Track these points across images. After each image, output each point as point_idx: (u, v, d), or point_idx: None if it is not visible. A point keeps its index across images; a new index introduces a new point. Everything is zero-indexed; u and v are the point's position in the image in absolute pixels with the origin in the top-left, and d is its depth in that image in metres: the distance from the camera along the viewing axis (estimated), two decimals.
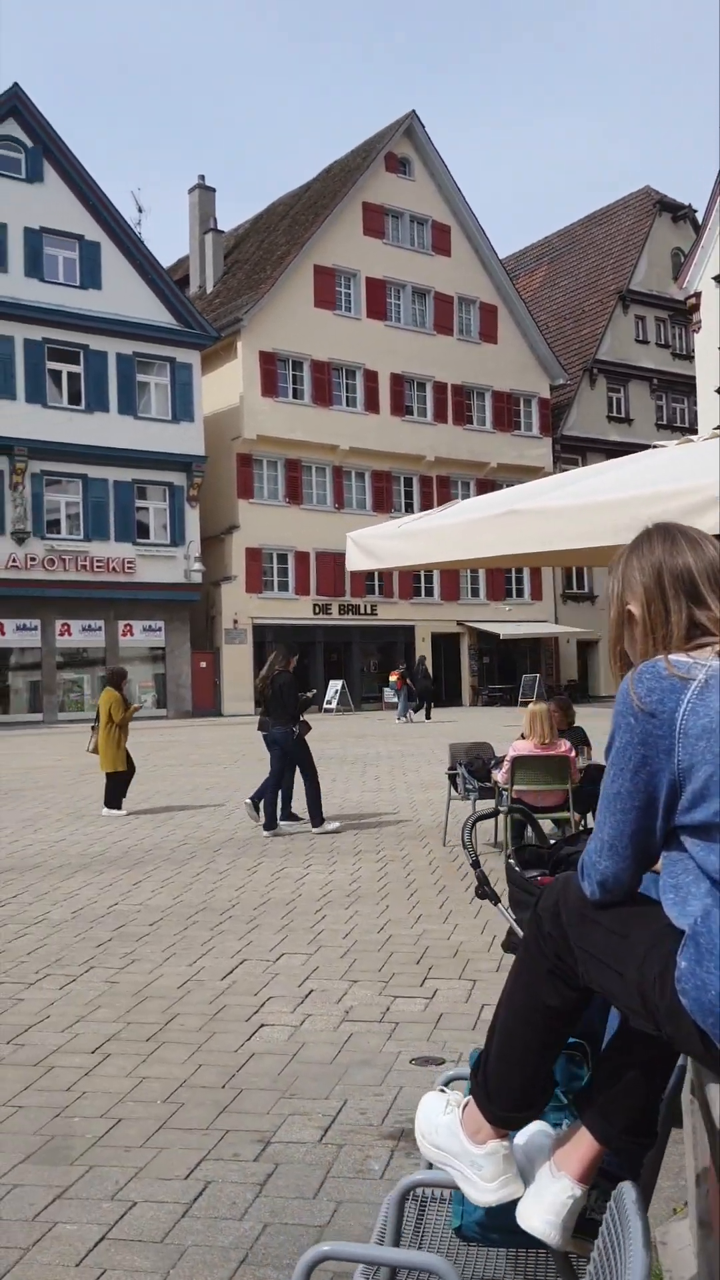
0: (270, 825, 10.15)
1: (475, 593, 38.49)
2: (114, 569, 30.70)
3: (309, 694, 10.85)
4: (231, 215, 73.90)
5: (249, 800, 10.81)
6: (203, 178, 40.57)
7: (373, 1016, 4.97)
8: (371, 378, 36.22)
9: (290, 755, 10.27)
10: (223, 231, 40.64)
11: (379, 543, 7.81)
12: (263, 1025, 4.88)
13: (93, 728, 12.01)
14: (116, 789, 11.84)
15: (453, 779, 9.64)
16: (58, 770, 16.82)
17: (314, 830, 10.21)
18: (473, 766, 9.37)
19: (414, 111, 37.01)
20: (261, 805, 10.34)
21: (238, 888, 7.89)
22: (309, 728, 10.47)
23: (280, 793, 10.45)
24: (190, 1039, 4.74)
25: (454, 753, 9.94)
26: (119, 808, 11.76)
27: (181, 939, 6.45)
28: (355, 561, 7.97)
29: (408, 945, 6.18)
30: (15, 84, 29.22)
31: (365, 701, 35.36)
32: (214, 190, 40.66)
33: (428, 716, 29.58)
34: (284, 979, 5.58)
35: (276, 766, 10.31)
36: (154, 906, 7.32)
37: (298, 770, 10.45)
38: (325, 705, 33.04)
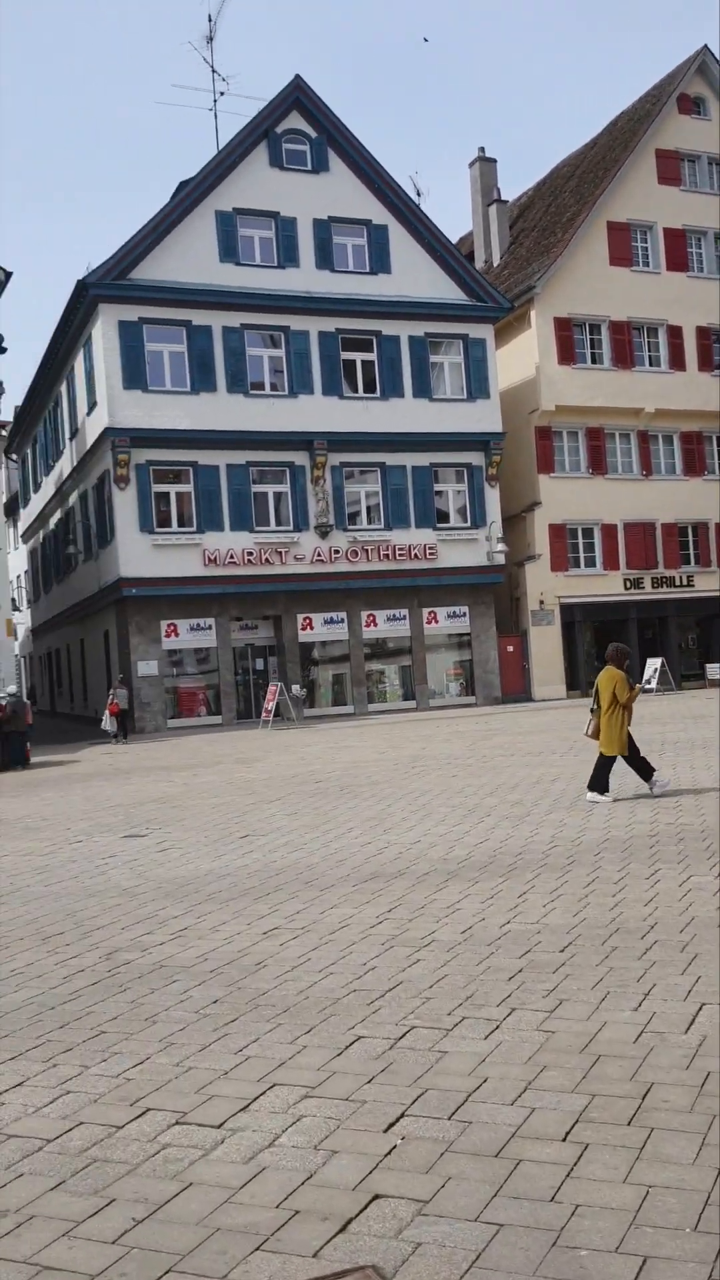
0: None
1: None
2: (416, 556, 30.18)
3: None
4: (513, 185, 72.27)
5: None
6: (482, 150, 39.42)
7: None
8: (675, 333, 33.83)
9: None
10: (506, 202, 39.30)
11: None
12: None
13: (592, 710, 11.08)
14: (605, 771, 10.91)
15: None
16: (383, 764, 16.23)
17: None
18: None
19: (706, 46, 34.20)
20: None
21: (645, 901, 6.71)
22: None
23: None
24: (689, 1124, 3.61)
25: None
26: (605, 792, 10.84)
27: (609, 972, 5.35)
28: None
29: None
30: (297, 76, 29.19)
31: (686, 679, 33.11)
32: (494, 161, 39.41)
33: None
34: None
35: None
36: (554, 926, 6.27)
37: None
38: (644, 685, 31.11)
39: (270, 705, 26.35)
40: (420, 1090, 4.07)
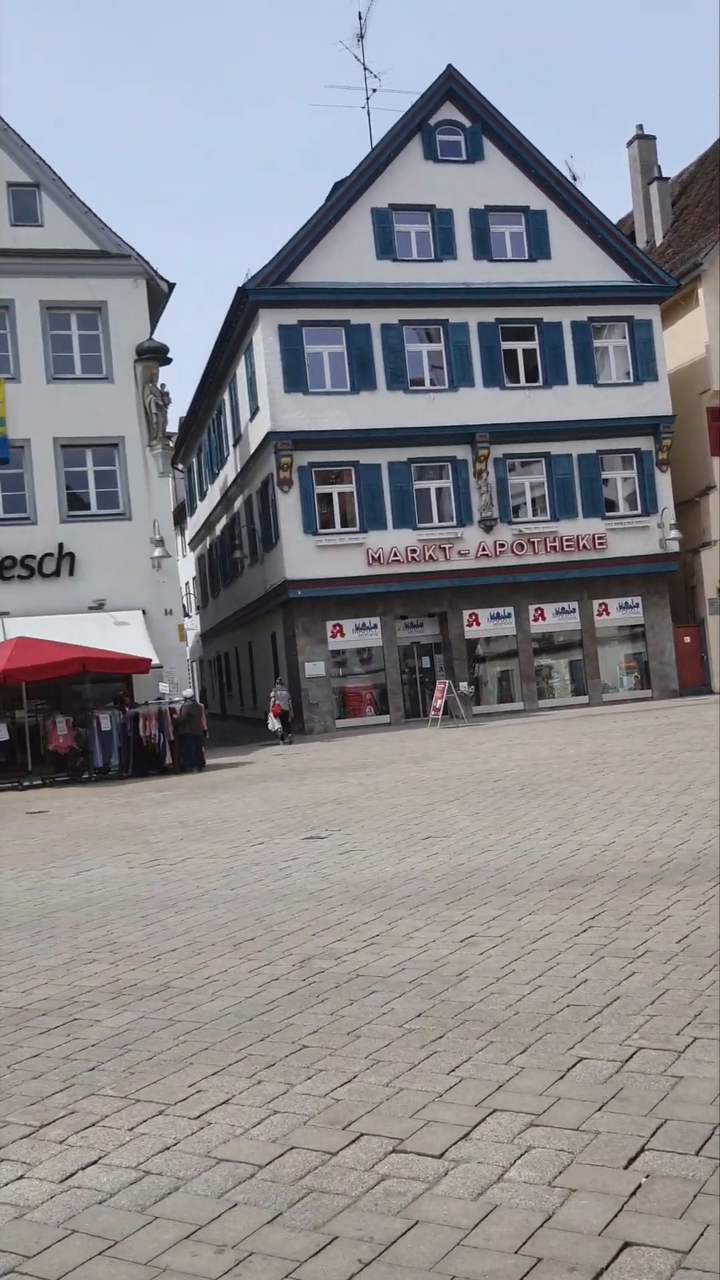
0: None
1: None
2: (584, 547, 29.36)
3: None
4: (673, 162, 69.98)
5: None
6: (640, 127, 38.14)
7: None
8: None
9: None
10: (667, 179, 37.91)
11: None
12: None
13: None
14: None
15: None
16: (563, 761, 15.70)
17: None
18: None
19: None
20: None
21: None
22: None
23: None
24: None
25: None
26: None
27: None
28: None
29: None
30: (449, 66, 28.82)
31: None
32: (654, 139, 38.08)
33: None
34: None
35: None
36: None
37: None
38: None
39: (438, 703, 26.06)
40: (659, 1120, 3.68)
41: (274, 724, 25.78)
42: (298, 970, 5.92)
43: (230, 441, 33.80)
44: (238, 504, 33.88)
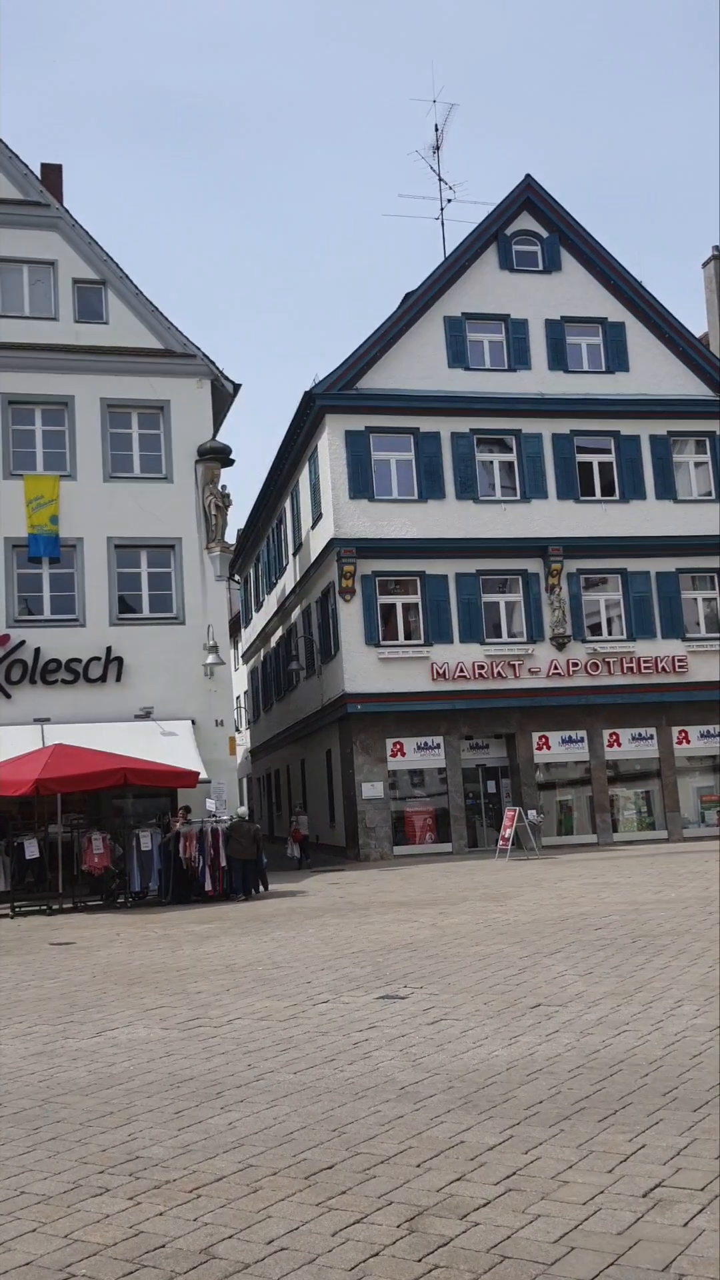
0: None
1: None
2: (663, 669, 27.43)
3: None
4: None
5: None
6: (717, 248, 37.52)
7: None
8: None
9: None
10: None
11: None
12: None
13: None
14: None
15: None
16: (671, 906, 13.56)
17: None
18: None
19: None
20: None
21: None
22: None
23: None
24: None
25: None
26: None
27: None
28: None
29: None
30: (527, 175, 28.32)
31: None
32: None
33: None
34: None
35: None
36: None
37: None
38: None
39: (507, 833, 23.90)
40: None
41: (293, 849, 24.71)
42: (406, 1238, 3.99)
43: (290, 549, 32.62)
44: (295, 615, 32.50)
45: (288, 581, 33.08)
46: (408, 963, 10.30)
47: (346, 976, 9.77)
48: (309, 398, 26.79)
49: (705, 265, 38.10)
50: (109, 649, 22.99)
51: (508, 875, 19.59)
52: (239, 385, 25.52)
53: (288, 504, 32.70)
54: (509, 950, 10.64)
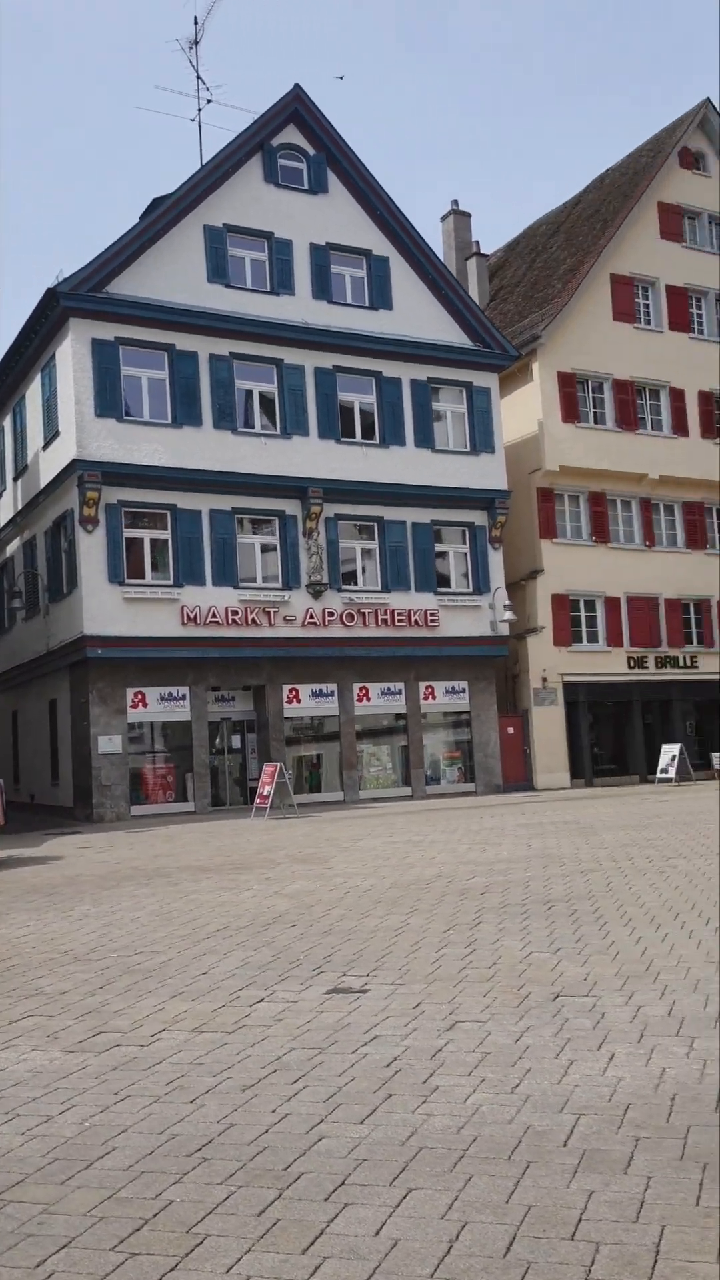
0: None
1: None
2: (416, 623, 26.64)
3: None
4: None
5: None
6: (456, 203, 37.20)
7: None
8: (678, 396, 31.68)
9: None
10: (486, 256, 37.03)
11: None
12: None
13: None
14: None
15: None
16: (528, 865, 12.36)
17: None
18: None
19: (708, 100, 32.86)
20: None
21: None
22: None
23: None
24: None
25: None
26: None
27: None
28: None
29: None
30: (296, 85, 26.26)
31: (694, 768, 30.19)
32: (469, 215, 37.26)
33: None
34: None
35: None
36: None
37: None
38: (660, 774, 28.07)
39: (267, 790, 22.13)
40: None
41: None
42: None
43: (10, 473, 28.90)
44: (12, 547, 28.88)
45: (3, 509, 29.35)
46: (304, 942, 8.32)
47: (246, 962, 7.66)
48: (52, 295, 23.44)
49: (444, 219, 37.81)
50: None
51: (286, 835, 17.86)
52: None
53: (7, 422, 28.94)
54: (417, 922, 8.91)
